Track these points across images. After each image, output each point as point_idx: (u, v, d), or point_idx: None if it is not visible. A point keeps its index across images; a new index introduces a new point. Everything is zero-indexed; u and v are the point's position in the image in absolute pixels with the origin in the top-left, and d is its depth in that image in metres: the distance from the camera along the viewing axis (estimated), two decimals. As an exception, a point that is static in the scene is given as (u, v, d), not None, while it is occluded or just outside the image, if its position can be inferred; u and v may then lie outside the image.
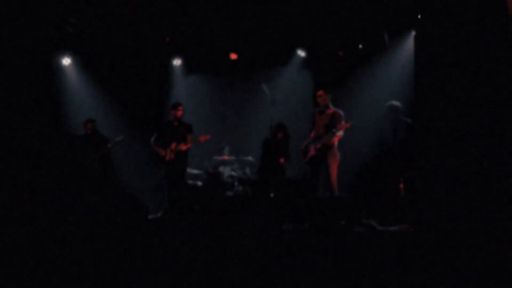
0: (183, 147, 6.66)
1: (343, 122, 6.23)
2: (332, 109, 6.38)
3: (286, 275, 3.59)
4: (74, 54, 8.44)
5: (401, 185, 6.44)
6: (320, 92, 6.46)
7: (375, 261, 3.97)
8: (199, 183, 7.95)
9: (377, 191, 6.49)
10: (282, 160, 7.32)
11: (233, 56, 8.67)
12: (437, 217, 5.29)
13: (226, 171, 8.12)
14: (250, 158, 8.34)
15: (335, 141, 6.26)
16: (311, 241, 4.98)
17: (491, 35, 5.48)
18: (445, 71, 6.34)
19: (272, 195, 7.06)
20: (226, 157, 8.34)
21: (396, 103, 6.93)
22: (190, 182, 7.76)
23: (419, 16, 7.07)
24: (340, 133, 6.24)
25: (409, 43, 7.61)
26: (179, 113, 6.81)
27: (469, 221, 5.05)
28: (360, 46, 8.07)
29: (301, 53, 8.52)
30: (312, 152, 6.33)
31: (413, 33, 7.56)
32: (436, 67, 6.76)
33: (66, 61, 8.43)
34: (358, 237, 5.03)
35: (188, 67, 9.19)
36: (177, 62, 9.14)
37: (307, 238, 5.17)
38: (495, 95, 5.47)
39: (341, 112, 6.32)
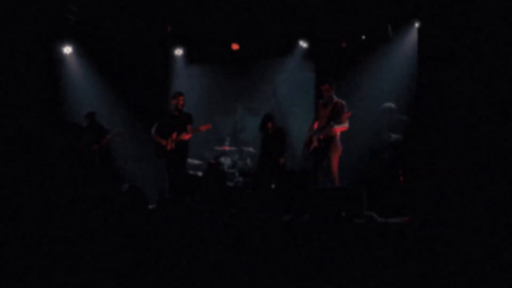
0: (185, 137, 6.64)
1: (345, 113, 6.18)
2: (335, 99, 6.34)
3: (286, 267, 3.59)
4: (75, 43, 8.40)
5: (401, 178, 6.42)
6: (327, 86, 6.40)
7: (376, 253, 3.96)
8: (200, 174, 7.94)
9: (378, 183, 6.47)
10: (282, 160, 7.25)
11: (235, 46, 8.62)
12: (438, 209, 5.28)
13: (227, 161, 8.10)
14: (251, 149, 8.32)
15: (337, 133, 6.22)
16: (311, 233, 4.97)
17: (496, 27, 5.43)
18: (448, 63, 6.29)
19: (273, 186, 7.05)
20: (227, 148, 8.32)
21: (390, 104, 6.91)
22: (191, 172, 7.74)
23: (423, 7, 7.01)
24: (341, 126, 6.18)
25: (413, 34, 7.56)
26: (180, 103, 6.77)
27: (470, 214, 5.03)
28: (363, 37, 8.01)
29: (303, 44, 8.46)
30: (314, 143, 6.31)
31: (417, 24, 7.52)
32: (439, 59, 6.72)
33: (68, 50, 8.39)
34: (359, 229, 5.02)
35: (189, 57, 9.15)
36: (178, 52, 9.09)
37: (308, 229, 5.16)
38: (498, 88, 5.43)
39: (343, 103, 6.28)
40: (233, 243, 4.47)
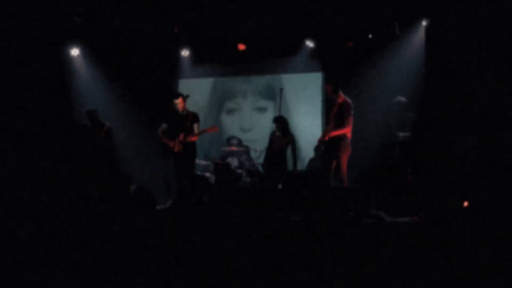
0: (192, 138, 6.63)
1: (352, 112, 6.11)
2: (342, 98, 6.22)
3: (294, 267, 3.59)
4: (82, 45, 8.44)
5: (409, 177, 6.39)
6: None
7: (384, 252, 3.95)
8: (208, 174, 7.96)
9: (386, 182, 6.45)
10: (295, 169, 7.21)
11: (241, 46, 8.63)
12: (446, 208, 5.26)
13: (234, 162, 8.11)
14: (258, 148, 8.33)
15: (346, 133, 6.13)
16: (320, 233, 4.97)
17: (503, 26, 5.41)
18: (455, 61, 6.27)
19: (280, 186, 7.05)
20: (234, 148, 8.33)
21: (402, 98, 6.88)
22: (198, 173, 7.75)
23: (430, 6, 6.99)
24: (338, 130, 6.07)
25: (420, 33, 7.54)
26: (179, 106, 6.71)
27: (478, 212, 5.01)
28: (370, 36, 7.98)
29: (310, 43, 8.45)
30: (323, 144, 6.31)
31: (424, 23, 7.49)
32: (446, 57, 6.69)
33: (75, 52, 8.44)
34: (367, 228, 5.02)
35: (196, 57, 9.16)
36: (185, 52, 9.11)
37: (316, 229, 5.16)
38: (506, 86, 5.40)
39: (349, 101, 6.18)
40: (241, 242, 4.48)
